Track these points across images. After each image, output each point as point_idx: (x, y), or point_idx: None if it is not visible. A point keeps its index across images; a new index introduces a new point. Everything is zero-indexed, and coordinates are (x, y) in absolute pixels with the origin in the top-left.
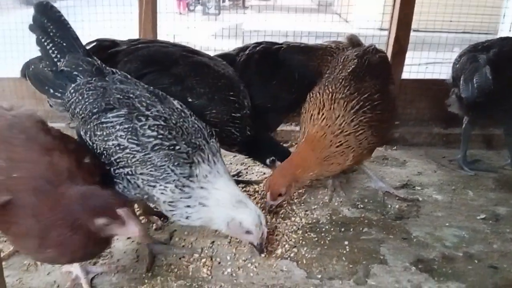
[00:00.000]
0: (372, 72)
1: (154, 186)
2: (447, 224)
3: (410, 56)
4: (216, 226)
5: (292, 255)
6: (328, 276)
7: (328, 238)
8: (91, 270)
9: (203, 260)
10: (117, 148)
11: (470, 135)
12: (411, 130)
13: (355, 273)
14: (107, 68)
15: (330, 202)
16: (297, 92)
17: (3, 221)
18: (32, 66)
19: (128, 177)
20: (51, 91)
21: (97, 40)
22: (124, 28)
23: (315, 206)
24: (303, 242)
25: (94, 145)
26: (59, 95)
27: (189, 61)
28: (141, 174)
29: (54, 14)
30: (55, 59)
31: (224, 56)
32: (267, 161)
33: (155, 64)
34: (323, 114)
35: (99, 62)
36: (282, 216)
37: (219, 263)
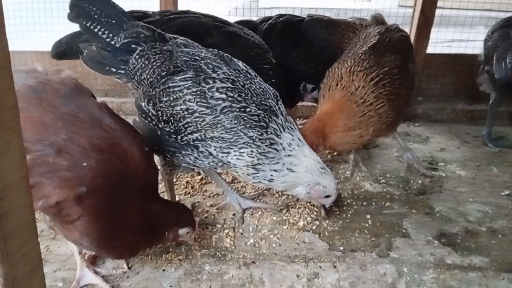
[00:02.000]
0: (392, 48)
1: (228, 153)
2: (470, 199)
3: (434, 35)
4: (297, 191)
5: (314, 227)
6: (350, 248)
7: (350, 212)
8: None
9: (226, 231)
10: (186, 112)
11: (496, 111)
12: (435, 106)
13: (378, 245)
14: (168, 34)
15: (352, 176)
16: (316, 67)
17: (63, 214)
18: (86, 51)
19: (198, 143)
20: (113, 69)
21: (128, 12)
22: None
23: (337, 181)
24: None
25: (159, 112)
26: (122, 72)
27: (222, 31)
28: (211, 138)
29: None
30: (108, 39)
31: (246, 23)
32: (300, 89)
33: (189, 34)
34: (342, 84)
35: (158, 29)
36: None
37: (242, 234)
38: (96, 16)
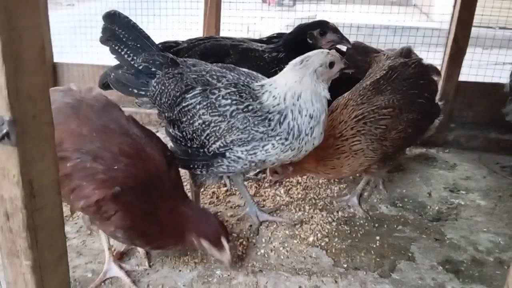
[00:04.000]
0: (396, 86)
1: (255, 153)
2: (484, 229)
3: (470, 55)
4: (311, 91)
5: (323, 244)
6: (354, 266)
7: (361, 232)
8: None
9: (240, 240)
10: (204, 125)
11: None
12: (466, 134)
13: (381, 266)
14: (179, 58)
15: (369, 198)
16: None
17: (101, 211)
18: (112, 74)
19: (223, 150)
20: (135, 91)
21: (162, 43)
22: (191, 23)
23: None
24: (336, 233)
25: (184, 133)
26: (143, 93)
27: (238, 50)
28: (231, 142)
29: (123, 20)
30: (132, 62)
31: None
32: (308, 40)
33: (212, 56)
34: (333, 115)
35: (171, 55)
36: (320, 207)
37: (254, 244)
38: (124, 39)
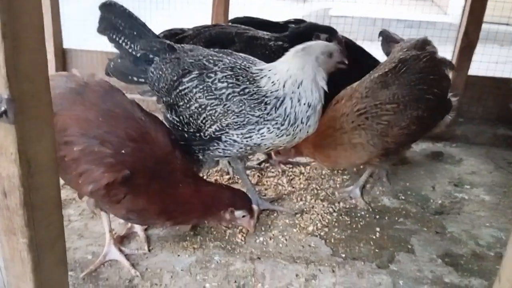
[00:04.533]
0: (404, 80)
1: (250, 137)
2: (487, 224)
3: (480, 51)
4: (310, 79)
5: (322, 233)
6: (352, 257)
7: (361, 223)
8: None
9: (240, 227)
10: (200, 109)
11: None
12: (475, 129)
13: (380, 257)
14: (176, 44)
15: (372, 190)
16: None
17: (111, 194)
18: (112, 63)
19: (219, 134)
20: (135, 79)
21: (168, 30)
22: (200, 11)
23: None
24: (336, 224)
25: (181, 117)
26: (143, 80)
27: (243, 38)
28: (227, 126)
29: (119, 9)
30: (130, 49)
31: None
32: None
33: (217, 44)
34: (338, 105)
35: (168, 41)
36: (322, 198)
37: (254, 232)
38: (121, 28)
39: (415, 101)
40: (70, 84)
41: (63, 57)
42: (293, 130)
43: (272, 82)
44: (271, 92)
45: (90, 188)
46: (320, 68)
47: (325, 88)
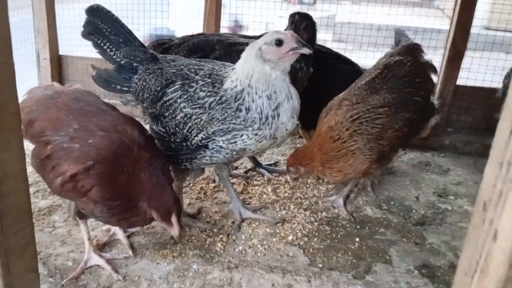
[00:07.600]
0: (391, 85)
1: (235, 142)
2: None
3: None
4: (265, 66)
5: (301, 243)
6: (329, 267)
7: (341, 233)
8: (127, 229)
9: (221, 236)
10: (186, 118)
11: None
12: (464, 139)
13: (356, 267)
14: (159, 54)
15: (355, 200)
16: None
17: (79, 186)
18: (95, 70)
19: (205, 142)
20: (118, 87)
21: (156, 40)
22: (196, 20)
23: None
24: (316, 233)
25: (167, 128)
26: (126, 89)
27: (224, 45)
28: (213, 133)
29: (106, 14)
30: (114, 56)
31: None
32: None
33: (199, 52)
34: (328, 116)
35: (151, 50)
36: (305, 207)
37: (234, 240)
38: (106, 33)
39: (405, 103)
40: (47, 92)
41: (59, 64)
42: (269, 129)
43: (231, 80)
44: (231, 90)
45: (58, 181)
46: (268, 58)
47: (280, 78)
